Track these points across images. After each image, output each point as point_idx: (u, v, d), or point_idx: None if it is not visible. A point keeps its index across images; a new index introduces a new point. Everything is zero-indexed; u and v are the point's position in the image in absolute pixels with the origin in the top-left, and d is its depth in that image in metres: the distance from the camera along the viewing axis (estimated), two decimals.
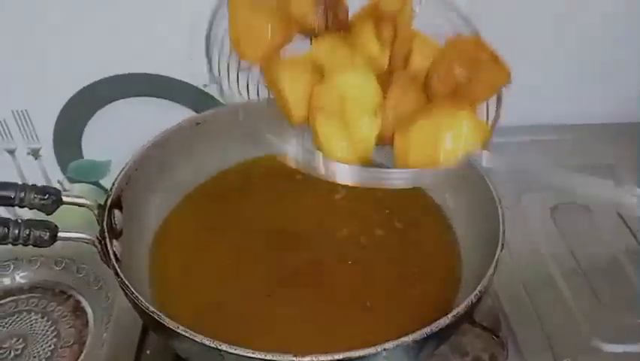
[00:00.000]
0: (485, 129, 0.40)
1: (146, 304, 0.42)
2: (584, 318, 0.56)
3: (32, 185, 0.46)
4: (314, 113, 0.39)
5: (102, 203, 0.49)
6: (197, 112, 0.70)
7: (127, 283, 0.43)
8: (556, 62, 0.76)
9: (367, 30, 0.43)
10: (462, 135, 0.38)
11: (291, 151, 0.39)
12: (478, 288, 0.44)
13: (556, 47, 0.74)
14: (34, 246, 0.44)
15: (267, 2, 0.42)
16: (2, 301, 0.62)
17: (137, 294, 0.42)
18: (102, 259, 0.46)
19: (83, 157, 0.73)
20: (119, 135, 0.68)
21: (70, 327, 0.60)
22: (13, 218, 0.44)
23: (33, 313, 0.61)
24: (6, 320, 0.61)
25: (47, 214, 0.47)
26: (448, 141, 0.38)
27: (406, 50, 0.43)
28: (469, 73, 0.41)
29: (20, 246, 0.44)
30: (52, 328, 0.60)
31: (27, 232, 0.43)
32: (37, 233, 0.44)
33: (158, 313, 0.41)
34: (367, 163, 0.40)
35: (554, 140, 0.77)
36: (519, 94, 0.75)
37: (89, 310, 0.62)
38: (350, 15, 0.45)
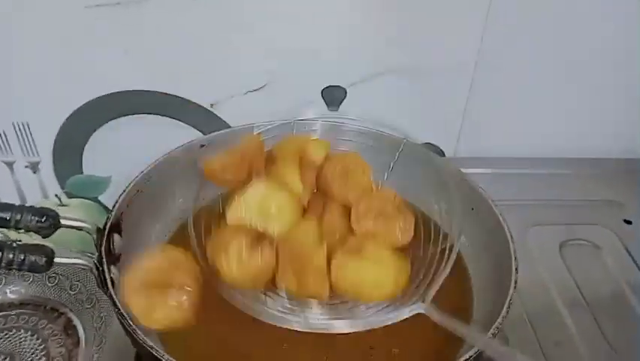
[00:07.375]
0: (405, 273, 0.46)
1: (143, 337, 0.40)
2: (590, 358, 0.55)
3: (30, 206, 0.45)
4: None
5: (101, 227, 0.48)
6: (202, 132, 0.69)
7: (124, 313, 0.41)
8: (565, 98, 0.76)
9: (292, 173, 0.51)
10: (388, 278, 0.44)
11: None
12: (490, 331, 0.43)
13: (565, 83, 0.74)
14: (29, 271, 0.42)
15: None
16: None
17: (134, 326, 0.41)
18: (99, 286, 0.45)
19: (82, 172, 0.71)
20: (121, 152, 0.67)
21: (60, 346, 0.58)
22: (8, 242, 0.42)
23: (23, 331, 0.59)
24: None
25: (43, 237, 0.45)
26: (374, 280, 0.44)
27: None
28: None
29: None
30: (42, 346, 0.58)
31: (22, 257, 0.42)
32: (33, 258, 0.42)
33: (157, 348, 0.39)
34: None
35: (562, 174, 0.77)
36: (529, 127, 0.76)
37: (80, 329, 0.60)
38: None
